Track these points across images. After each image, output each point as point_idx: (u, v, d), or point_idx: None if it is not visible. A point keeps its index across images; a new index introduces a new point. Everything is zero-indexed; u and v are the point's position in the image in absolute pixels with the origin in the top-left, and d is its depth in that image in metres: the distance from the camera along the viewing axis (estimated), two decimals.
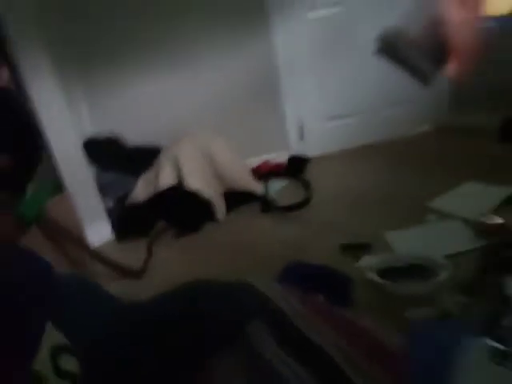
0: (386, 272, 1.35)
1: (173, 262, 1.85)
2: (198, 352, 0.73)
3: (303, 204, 2.03)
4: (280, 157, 2.68)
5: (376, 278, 1.28)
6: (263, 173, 2.52)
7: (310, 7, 2.47)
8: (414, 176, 2.15)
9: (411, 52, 2.36)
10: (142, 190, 2.09)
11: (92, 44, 2.39)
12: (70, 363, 0.60)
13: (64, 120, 1.97)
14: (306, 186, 2.25)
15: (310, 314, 0.78)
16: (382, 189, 2.09)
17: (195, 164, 2.01)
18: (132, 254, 1.96)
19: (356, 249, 1.55)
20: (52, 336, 0.61)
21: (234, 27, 2.45)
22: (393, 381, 0.64)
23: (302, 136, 2.75)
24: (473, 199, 1.72)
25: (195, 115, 2.55)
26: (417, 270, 1.32)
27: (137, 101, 2.52)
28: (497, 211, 1.60)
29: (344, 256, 1.54)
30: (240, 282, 0.94)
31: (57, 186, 1.87)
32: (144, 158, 2.31)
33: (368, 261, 1.41)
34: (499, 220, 1.47)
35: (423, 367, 0.64)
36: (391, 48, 2.38)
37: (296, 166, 2.57)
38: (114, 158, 2.39)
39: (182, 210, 2.04)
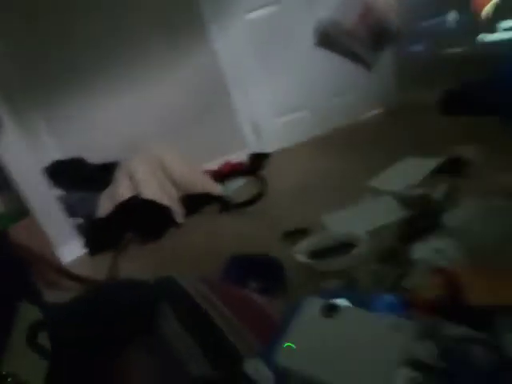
0: (318, 252, 1.46)
1: (139, 269, 1.96)
2: (113, 340, 0.85)
3: (256, 199, 2.14)
4: (240, 156, 2.78)
5: (303, 259, 1.38)
6: (225, 173, 2.63)
7: (247, 9, 2.57)
8: (361, 159, 2.25)
9: (349, 40, 2.47)
10: (104, 205, 2.21)
11: (45, 73, 2.51)
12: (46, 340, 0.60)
13: (20, 147, 2.08)
14: (262, 181, 2.36)
15: (212, 295, 0.90)
16: (331, 176, 2.19)
17: (149, 174, 2.12)
18: (105, 267, 2.08)
19: (296, 235, 1.65)
20: (28, 312, 0.60)
21: (177, 40, 2.56)
22: (258, 337, 0.75)
23: (258, 134, 2.85)
24: (405, 174, 1.82)
25: (153, 128, 2.66)
26: (343, 246, 1.43)
27: (95, 121, 2.63)
28: (425, 182, 1.71)
29: (285, 243, 1.65)
30: (162, 277, 1.07)
31: (18, 212, 1.98)
32: (107, 174, 2.43)
33: (302, 245, 1.51)
34: (420, 191, 1.57)
35: (282, 325, 0.75)
36: (328, 39, 2.49)
37: (256, 163, 2.68)
38: (79, 178, 2.51)
39: (143, 219, 2.15)
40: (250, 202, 2.12)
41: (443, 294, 0.97)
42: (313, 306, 0.69)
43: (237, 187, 2.45)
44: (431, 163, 1.80)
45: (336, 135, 2.78)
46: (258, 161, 2.70)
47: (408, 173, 1.81)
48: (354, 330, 0.62)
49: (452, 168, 1.73)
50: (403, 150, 2.07)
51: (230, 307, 0.84)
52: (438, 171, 1.76)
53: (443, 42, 2.54)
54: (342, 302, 0.73)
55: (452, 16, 2.49)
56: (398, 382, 0.55)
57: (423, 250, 1.20)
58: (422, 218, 1.42)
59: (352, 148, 2.50)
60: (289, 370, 0.61)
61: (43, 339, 0.59)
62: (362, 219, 1.57)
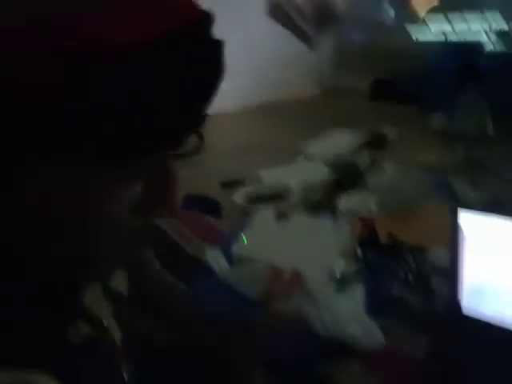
0: (253, 200, 1.60)
1: None
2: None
3: (194, 152, 2.21)
4: None
5: (240, 202, 1.52)
6: None
7: None
8: (296, 129, 2.42)
9: (297, 16, 2.62)
10: None
11: None
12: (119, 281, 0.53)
13: None
14: (200, 137, 2.43)
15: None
16: (267, 139, 2.34)
17: None
18: None
19: (233, 185, 1.78)
20: None
21: None
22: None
23: None
24: (335, 143, 2.02)
25: None
26: (277, 196, 1.58)
27: None
28: (352, 151, 1.92)
29: (223, 191, 1.77)
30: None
31: None
32: None
33: (239, 192, 1.64)
34: (348, 157, 1.78)
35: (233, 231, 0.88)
36: (279, 11, 2.61)
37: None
38: None
39: None
40: (189, 153, 2.19)
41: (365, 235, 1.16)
42: (265, 214, 0.82)
43: None
44: (357, 136, 2.02)
45: (272, 106, 2.93)
46: None
47: (338, 142, 2.01)
48: (302, 230, 0.76)
49: (376, 143, 1.96)
50: (334, 125, 2.28)
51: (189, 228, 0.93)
52: (364, 144, 1.99)
53: (380, 31, 2.78)
54: None
55: (389, 8, 2.74)
56: (336, 269, 0.70)
57: (348, 203, 1.39)
58: (348, 177, 1.62)
59: (287, 119, 2.66)
60: (243, 257, 0.74)
61: None
62: (295, 176, 1.74)
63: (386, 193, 1.35)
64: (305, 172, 1.78)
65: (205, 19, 0.32)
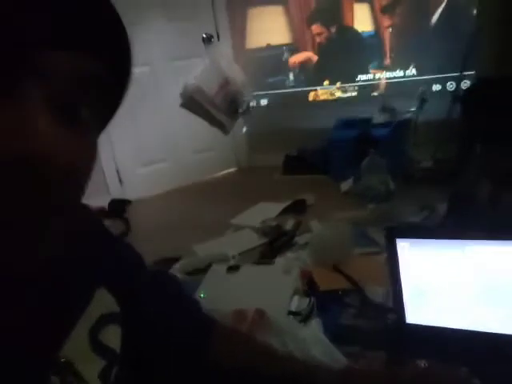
0: (192, 272, 1.62)
1: None
2: None
3: (122, 236, 2.19)
4: (102, 201, 2.79)
5: (180, 276, 1.52)
6: None
7: None
8: (219, 205, 2.52)
9: (209, 106, 2.85)
10: None
11: None
12: (111, 336, 0.49)
13: None
14: (125, 222, 2.42)
15: None
16: (193, 218, 2.40)
17: None
18: None
19: (168, 262, 1.78)
20: (101, 302, 0.49)
21: None
22: None
23: (120, 181, 2.93)
24: (260, 213, 2.14)
25: None
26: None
27: None
28: (277, 218, 2.05)
29: (157, 268, 1.75)
30: None
31: None
32: None
33: (176, 266, 1.65)
34: (274, 223, 1.90)
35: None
36: (192, 103, 2.84)
37: (117, 208, 2.71)
38: None
39: None
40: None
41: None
42: (218, 268, 0.86)
43: None
44: (280, 205, 2.18)
45: (195, 187, 3.04)
46: (119, 206, 2.74)
47: (262, 212, 2.14)
48: (255, 278, 0.81)
49: (297, 208, 2.13)
50: (255, 199, 2.43)
51: None
52: (286, 211, 2.14)
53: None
54: None
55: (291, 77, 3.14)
56: (292, 305, 0.76)
57: (284, 260, 1.48)
58: (278, 240, 1.72)
59: (211, 198, 2.77)
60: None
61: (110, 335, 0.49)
62: (229, 246, 1.80)
63: (316, 247, 1.47)
64: (237, 240, 1.85)
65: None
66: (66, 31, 0.30)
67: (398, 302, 0.72)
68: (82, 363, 0.43)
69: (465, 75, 2.50)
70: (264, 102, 3.26)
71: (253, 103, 3.18)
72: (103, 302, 0.49)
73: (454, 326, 0.69)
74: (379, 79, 2.87)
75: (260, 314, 0.70)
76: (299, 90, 3.11)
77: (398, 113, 2.53)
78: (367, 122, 2.57)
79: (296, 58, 3.11)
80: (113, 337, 0.49)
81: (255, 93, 3.11)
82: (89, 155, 0.33)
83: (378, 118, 2.56)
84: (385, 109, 2.55)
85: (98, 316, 0.47)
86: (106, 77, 0.34)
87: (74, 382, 0.42)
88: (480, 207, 1.41)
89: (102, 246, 0.53)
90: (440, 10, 2.64)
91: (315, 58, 3.05)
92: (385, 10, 2.77)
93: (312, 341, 0.67)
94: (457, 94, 2.44)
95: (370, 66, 2.88)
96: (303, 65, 3.09)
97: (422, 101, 2.48)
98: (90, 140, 0.34)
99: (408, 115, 2.56)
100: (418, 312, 0.72)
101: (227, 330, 0.66)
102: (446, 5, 2.61)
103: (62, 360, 0.41)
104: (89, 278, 0.48)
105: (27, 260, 0.30)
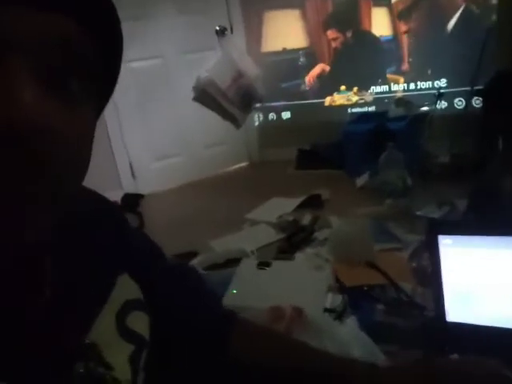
0: (208, 268, 1.61)
1: None
2: None
3: None
4: (115, 195, 2.78)
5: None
6: None
7: (131, 58, 2.74)
8: (232, 200, 2.51)
9: (222, 99, 2.83)
10: None
11: None
12: (138, 322, 0.48)
13: None
14: (139, 215, 2.42)
15: None
16: (207, 213, 2.39)
17: None
18: None
19: (185, 257, 1.77)
20: (125, 288, 0.49)
21: None
22: None
23: (133, 176, 2.93)
24: (275, 208, 2.13)
25: None
26: (232, 261, 1.61)
27: None
28: (293, 213, 2.04)
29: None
30: None
31: None
32: None
33: (193, 262, 1.64)
34: (291, 218, 1.89)
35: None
36: (205, 96, 2.81)
37: (130, 203, 2.71)
38: None
39: None
40: None
41: None
42: (248, 264, 0.85)
43: None
44: (294, 200, 2.16)
45: (208, 182, 3.03)
46: (132, 200, 2.74)
47: (277, 207, 2.13)
48: (287, 274, 0.80)
49: (313, 203, 2.11)
50: (268, 193, 2.41)
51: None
52: (302, 206, 2.12)
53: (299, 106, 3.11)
54: None
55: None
56: (327, 302, 0.75)
57: (304, 256, 1.46)
58: (296, 235, 1.71)
59: (224, 192, 2.76)
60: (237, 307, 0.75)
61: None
62: (246, 241, 1.78)
63: (336, 243, 1.45)
64: (254, 235, 1.84)
65: None
66: None
67: (439, 299, 0.71)
68: (109, 348, 0.43)
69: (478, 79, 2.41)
70: (287, 114, 3.22)
71: (272, 116, 3.18)
72: (127, 288, 0.49)
73: (497, 324, 0.67)
74: (396, 91, 2.83)
75: (297, 311, 0.69)
76: (316, 101, 3.09)
77: (413, 106, 2.50)
78: (383, 115, 2.54)
79: (312, 75, 3.08)
80: (140, 323, 0.49)
81: (272, 104, 3.08)
82: (80, 128, 0.32)
83: (394, 111, 2.53)
84: (400, 102, 2.52)
85: (123, 302, 0.47)
86: (93, 47, 0.33)
87: (99, 366, 0.41)
88: (505, 203, 1.38)
89: (123, 233, 0.53)
90: (457, 14, 2.60)
91: (327, 68, 3.03)
92: (400, 16, 2.74)
93: (351, 339, 0.66)
94: (473, 91, 2.41)
95: (387, 70, 2.84)
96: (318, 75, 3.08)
97: (439, 95, 2.45)
98: (82, 115, 0.33)
99: (424, 109, 2.52)
100: (459, 310, 0.70)
101: (249, 325, 0.64)
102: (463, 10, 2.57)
103: (87, 342, 0.41)
104: (111, 263, 0.48)
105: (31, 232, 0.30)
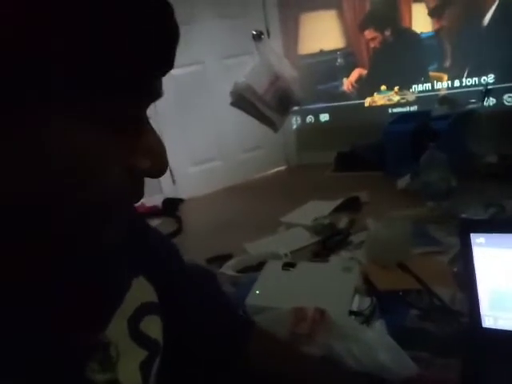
0: (242, 270, 1.60)
1: None
2: None
3: (175, 234, 2.22)
4: (154, 200, 2.85)
5: (230, 273, 1.51)
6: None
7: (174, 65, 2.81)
8: (270, 204, 2.50)
9: (259, 104, 2.84)
10: None
11: None
12: (152, 326, 0.48)
13: None
14: (178, 220, 2.46)
15: None
16: (244, 217, 2.39)
17: None
18: None
19: (220, 259, 1.77)
20: (140, 291, 0.48)
21: None
22: None
23: (173, 180, 2.99)
24: (312, 211, 2.09)
25: None
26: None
27: None
28: (330, 216, 1.99)
29: (210, 265, 1.75)
30: None
31: None
32: None
33: (228, 264, 1.64)
34: (327, 220, 1.84)
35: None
36: (242, 100, 2.84)
37: (170, 207, 2.77)
38: None
39: None
40: (170, 235, 2.19)
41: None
42: (274, 265, 0.83)
43: (155, 225, 2.50)
44: (333, 203, 2.11)
45: (245, 186, 3.04)
46: (172, 205, 2.79)
47: (314, 210, 2.09)
48: (312, 275, 0.78)
49: (350, 206, 2.06)
50: (305, 197, 2.38)
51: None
52: (339, 209, 2.07)
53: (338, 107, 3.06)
54: None
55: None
56: (353, 305, 0.71)
57: (340, 260, 1.42)
58: (331, 239, 1.66)
59: (261, 196, 2.75)
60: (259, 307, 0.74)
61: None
62: (281, 244, 1.76)
63: (373, 246, 1.40)
64: (289, 239, 1.81)
65: None
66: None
67: (473, 302, 0.66)
68: (122, 353, 0.42)
69: None
70: (325, 117, 3.18)
71: (310, 118, 3.15)
72: (143, 290, 0.49)
73: None
74: (439, 89, 2.71)
75: (320, 313, 0.66)
76: (355, 102, 3.03)
77: (458, 104, 2.38)
78: (425, 114, 2.44)
79: (350, 80, 3.03)
80: (154, 327, 0.48)
81: (310, 106, 3.05)
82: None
83: (437, 110, 2.42)
84: (444, 100, 2.41)
85: (138, 305, 0.46)
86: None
87: (109, 369, 0.40)
88: None
89: (142, 235, 0.53)
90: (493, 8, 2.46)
91: (365, 72, 2.97)
92: (432, 14, 2.63)
93: (378, 344, 0.63)
94: None
95: (430, 68, 2.73)
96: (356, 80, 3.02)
97: (486, 92, 2.32)
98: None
99: (469, 107, 2.40)
100: (496, 315, 0.65)
101: (266, 335, 0.63)
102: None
103: (100, 342, 0.41)
104: (128, 264, 0.48)
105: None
